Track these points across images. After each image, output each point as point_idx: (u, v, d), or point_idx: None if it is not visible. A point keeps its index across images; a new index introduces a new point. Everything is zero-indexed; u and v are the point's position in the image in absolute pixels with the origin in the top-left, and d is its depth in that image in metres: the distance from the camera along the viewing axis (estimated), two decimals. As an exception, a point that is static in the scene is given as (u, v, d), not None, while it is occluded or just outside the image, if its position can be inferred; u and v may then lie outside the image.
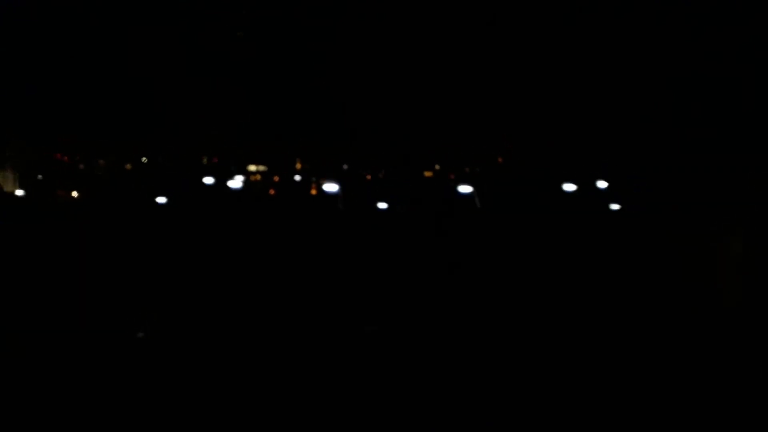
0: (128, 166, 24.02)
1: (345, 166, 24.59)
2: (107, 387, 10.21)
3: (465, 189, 25.19)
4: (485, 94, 24.77)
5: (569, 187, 24.80)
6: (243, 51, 23.77)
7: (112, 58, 23.09)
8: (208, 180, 23.94)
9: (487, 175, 25.68)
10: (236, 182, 23.94)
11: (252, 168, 24.47)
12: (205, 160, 24.44)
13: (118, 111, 23.15)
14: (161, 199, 22.78)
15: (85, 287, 16.73)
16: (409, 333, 13.22)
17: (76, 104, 22.98)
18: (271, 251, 19.38)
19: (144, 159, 24.20)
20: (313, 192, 23.98)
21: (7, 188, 23.00)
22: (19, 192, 22.93)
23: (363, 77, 24.20)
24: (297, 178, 24.40)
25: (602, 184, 24.41)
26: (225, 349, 12.77)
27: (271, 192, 24.02)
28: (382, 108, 24.31)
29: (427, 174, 25.36)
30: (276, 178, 24.31)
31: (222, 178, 24.11)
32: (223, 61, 23.68)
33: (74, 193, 22.78)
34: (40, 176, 23.29)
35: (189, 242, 19.97)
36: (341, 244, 20.16)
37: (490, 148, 25.90)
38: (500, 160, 26.40)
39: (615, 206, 23.95)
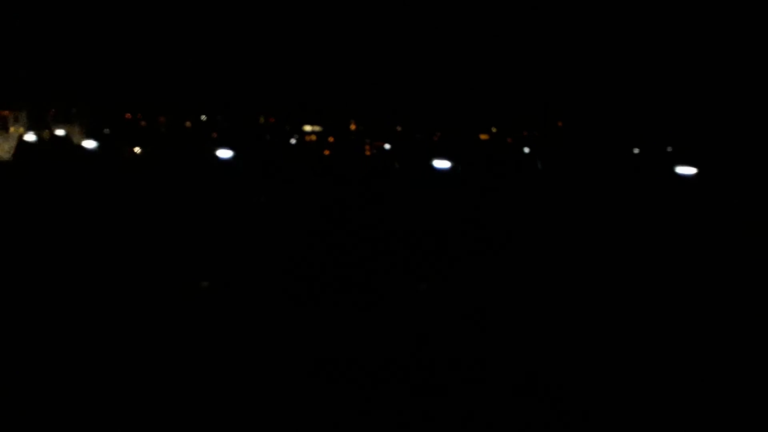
0: (188, 124, 24.63)
1: (398, 128, 24.84)
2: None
3: (526, 151, 25.25)
4: (543, 59, 24.78)
5: (633, 150, 24.73)
6: (301, 13, 24.16)
7: (177, 22, 23.70)
8: (265, 138, 24.41)
9: (546, 138, 25.65)
10: (292, 142, 24.38)
11: (307, 128, 24.86)
12: (262, 120, 24.92)
13: (181, 72, 23.78)
14: (224, 153, 23.12)
15: (144, 239, 17.30)
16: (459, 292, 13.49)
17: (140, 64, 23.68)
18: (326, 209, 19.65)
19: (203, 117, 24.79)
20: (367, 153, 24.23)
21: (75, 140, 23.90)
22: (90, 143, 23.70)
23: (420, 41, 24.38)
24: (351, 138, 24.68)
25: (664, 148, 24.26)
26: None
27: (326, 152, 24.36)
28: (438, 71, 24.45)
29: (483, 137, 25.44)
30: (331, 139, 24.64)
31: (278, 137, 24.56)
32: (280, 24, 24.08)
33: (137, 149, 23.46)
34: (106, 130, 24.09)
35: (246, 198, 20.41)
36: (397, 202, 20.29)
37: (549, 112, 25.85)
38: (560, 123, 26.38)
39: (679, 169, 23.57)
